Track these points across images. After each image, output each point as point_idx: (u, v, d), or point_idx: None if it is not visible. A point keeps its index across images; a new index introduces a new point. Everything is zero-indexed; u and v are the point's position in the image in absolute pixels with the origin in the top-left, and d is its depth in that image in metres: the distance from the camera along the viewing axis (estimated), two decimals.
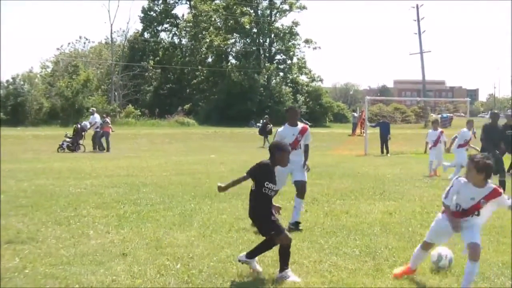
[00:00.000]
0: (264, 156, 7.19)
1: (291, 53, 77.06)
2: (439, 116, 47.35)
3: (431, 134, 19.23)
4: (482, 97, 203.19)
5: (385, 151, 26.27)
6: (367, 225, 9.70)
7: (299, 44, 77.70)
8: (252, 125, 58.97)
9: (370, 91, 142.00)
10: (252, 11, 75.17)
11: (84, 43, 76.08)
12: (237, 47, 77.77)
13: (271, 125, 34.25)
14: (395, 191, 13.83)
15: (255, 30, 75.36)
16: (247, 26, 72.77)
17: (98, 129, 29.02)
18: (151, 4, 79.37)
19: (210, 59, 77.75)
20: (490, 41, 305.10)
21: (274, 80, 74.91)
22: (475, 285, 6.50)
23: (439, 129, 19.24)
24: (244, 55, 74.28)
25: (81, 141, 28.66)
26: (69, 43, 77.54)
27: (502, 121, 16.39)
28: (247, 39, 75.84)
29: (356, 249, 8.01)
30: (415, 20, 70.77)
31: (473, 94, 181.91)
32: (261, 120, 38.87)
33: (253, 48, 75.05)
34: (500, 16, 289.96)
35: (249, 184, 6.74)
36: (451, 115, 54.72)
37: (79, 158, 23.70)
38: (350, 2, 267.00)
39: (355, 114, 48.35)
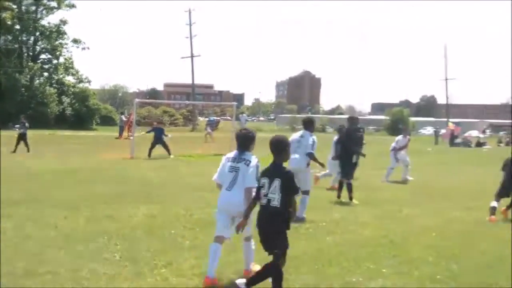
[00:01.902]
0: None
1: (58, 52, 73.90)
2: (207, 119, 48.72)
3: (401, 141, 19.72)
4: (248, 101, 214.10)
5: (167, 153, 26.04)
6: (130, 229, 9.55)
7: (66, 44, 74.74)
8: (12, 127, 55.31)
9: (139, 94, 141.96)
10: (15, 7, 70.72)
11: None
12: None
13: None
14: (160, 194, 13.80)
15: (18, 26, 71.02)
16: (9, 22, 68.29)
17: None
18: None
19: None
20: (258, 46, 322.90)
21: (37, 80, 71.21)
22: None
23: (408, 137, 20.16)
24: (5, 53, 69.61)
25: None
26: None
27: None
28: (9, 36, 71.18)
29: (117, 254, 7.84)
30: (187, 24, 72.02)
31: (239, 98, 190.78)
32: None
33: (15, 45, 70.65)
34: (271, 18, 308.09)
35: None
36: (218, 118, 56.60)
37: None
38: (123, 2, 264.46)
39: (123, 117, 47.67)
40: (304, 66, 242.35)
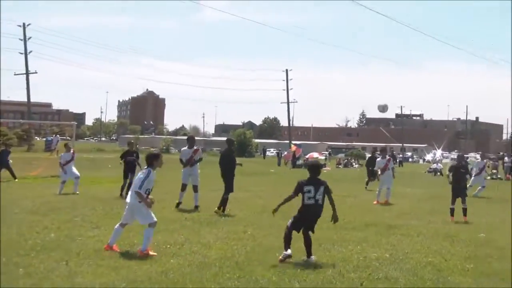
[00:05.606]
0: None
1: None
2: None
3: (380, 162, 20.45)
4: (89, 121, 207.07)
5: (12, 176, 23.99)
6: None
7: None
8: None
9: None
10: None
11: None
12: None
13: None
14: None
15: None
16: None
17: None
18: None
19: None
20: (98, 64, 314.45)
21: None
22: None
23: (387, 157, 20.88)
24: None
25: None
26: None
27: None
28: None
29: None
30: (21, 39, 68.22)
31: (80, 117, 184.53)
32: None
33: None
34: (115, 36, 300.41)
35: None
36: (58, 137, 54.22)
37: None
38: None
39: None
40: (147, 85, 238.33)
